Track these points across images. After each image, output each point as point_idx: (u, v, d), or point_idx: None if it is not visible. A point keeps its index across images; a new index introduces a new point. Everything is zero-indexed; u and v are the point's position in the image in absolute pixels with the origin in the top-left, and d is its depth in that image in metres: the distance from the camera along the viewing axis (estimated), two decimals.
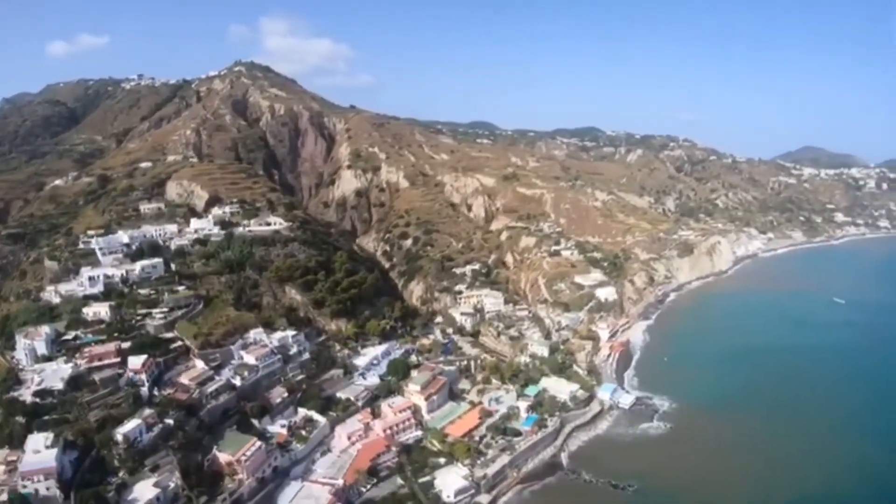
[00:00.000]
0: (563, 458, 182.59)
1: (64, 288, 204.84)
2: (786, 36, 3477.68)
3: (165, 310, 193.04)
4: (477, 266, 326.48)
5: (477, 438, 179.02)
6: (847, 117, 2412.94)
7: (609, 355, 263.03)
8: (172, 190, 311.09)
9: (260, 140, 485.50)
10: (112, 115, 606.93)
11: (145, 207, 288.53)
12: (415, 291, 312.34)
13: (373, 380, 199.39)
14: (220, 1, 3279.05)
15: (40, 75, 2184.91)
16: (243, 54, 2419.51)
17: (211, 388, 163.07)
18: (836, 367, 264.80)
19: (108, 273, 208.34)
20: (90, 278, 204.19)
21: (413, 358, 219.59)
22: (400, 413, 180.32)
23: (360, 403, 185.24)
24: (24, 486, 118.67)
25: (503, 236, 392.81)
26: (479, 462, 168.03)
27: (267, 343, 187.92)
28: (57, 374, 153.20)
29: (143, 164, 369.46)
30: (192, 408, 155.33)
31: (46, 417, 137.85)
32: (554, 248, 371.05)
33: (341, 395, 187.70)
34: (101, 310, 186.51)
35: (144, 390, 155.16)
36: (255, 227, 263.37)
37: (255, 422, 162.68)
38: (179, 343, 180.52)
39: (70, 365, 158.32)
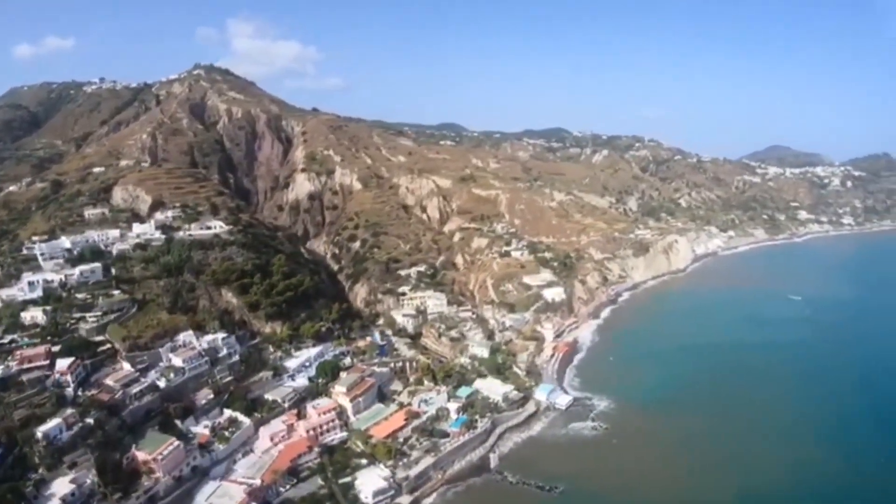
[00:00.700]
0: (493, 459, 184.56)
1: (5, 293, 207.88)
2: (757, 36, 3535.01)
3: (99, 313, 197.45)
4: (423, 268, 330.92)
5: (401, 440, 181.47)
6: (814, 117, 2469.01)
7: (553, 355, 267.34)
8: (118, 195, 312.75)
9: (216, 144, 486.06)
10: (73, 120, 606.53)
11: (90, 213, 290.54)
12: (359, 293, 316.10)
13: (302, 382, 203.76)
14: (186, 3, 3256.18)
15: (5, 78, 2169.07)
16: (211, 57, 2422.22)
17: (135, 389, 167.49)
18: (784, 364, 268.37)
19: (48, 278, 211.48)
20: (30, 283, 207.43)
21: (347, 360, 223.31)
22: (324, 414, 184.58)
23: (286, 405, 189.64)
24: None
25: (456, 237, 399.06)
26: (401, 463, 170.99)
27: (196, 346, 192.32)
28: None
29: (97, 170, 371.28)
30: (114, 408, 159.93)
31: None
32: (505, 248, 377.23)
33: (269, 396, 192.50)
34: (37, 314, 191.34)
35: (70, 391, 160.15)
36: (195, 231, 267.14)
37: (178, 422, 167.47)
38: (108, 346, 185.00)
39: (1, 367, 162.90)
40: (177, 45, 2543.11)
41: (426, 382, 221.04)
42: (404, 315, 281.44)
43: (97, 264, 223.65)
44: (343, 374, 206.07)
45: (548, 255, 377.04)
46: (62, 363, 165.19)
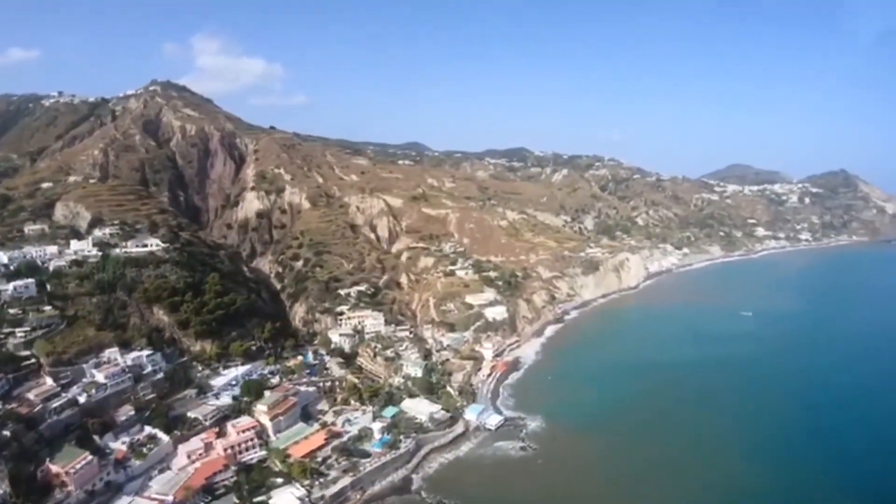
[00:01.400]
0: (417, 479, 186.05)
1: None
2: (718, 58, 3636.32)
3: (28, 328, 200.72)
4: (363, 287, 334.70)
5: (319, 459, 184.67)
6: (775, 136, 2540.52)
7: (490, 375, 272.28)
8: (59, 211, 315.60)
9: (168, 161, 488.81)
10: (29, 133, 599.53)
11: (30, 228, 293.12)
12: (298, 313, 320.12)
13: (226, 400, 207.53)
14: (152, 18, 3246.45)
15: None
16: (176, 72, 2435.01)
17: (55, 403, 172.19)
18: (725, 381, 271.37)
19: None
20: None
21: (276, 379, 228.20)
22: (243, 433, 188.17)
23: (207, 423, 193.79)
24: None
25: (403, 257, 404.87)
26: (318, 483, 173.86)
27: (120, 362, 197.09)
28: None
29: (45, 185, 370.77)
30: (32, 421, 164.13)
31: None
32: (450, 267, 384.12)
33: (191, 414, 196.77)
34: None
35: None
36: (131, 248, 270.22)
37: (96, 437, 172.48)
38: (33, 360, 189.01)
39: None
40: (142, 59, 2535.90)
41: (353, 402, 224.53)
42: (341, 334, 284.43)
43: (31, 280, 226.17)
44: (267, 393, 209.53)
45: (493, 274, 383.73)
46: None
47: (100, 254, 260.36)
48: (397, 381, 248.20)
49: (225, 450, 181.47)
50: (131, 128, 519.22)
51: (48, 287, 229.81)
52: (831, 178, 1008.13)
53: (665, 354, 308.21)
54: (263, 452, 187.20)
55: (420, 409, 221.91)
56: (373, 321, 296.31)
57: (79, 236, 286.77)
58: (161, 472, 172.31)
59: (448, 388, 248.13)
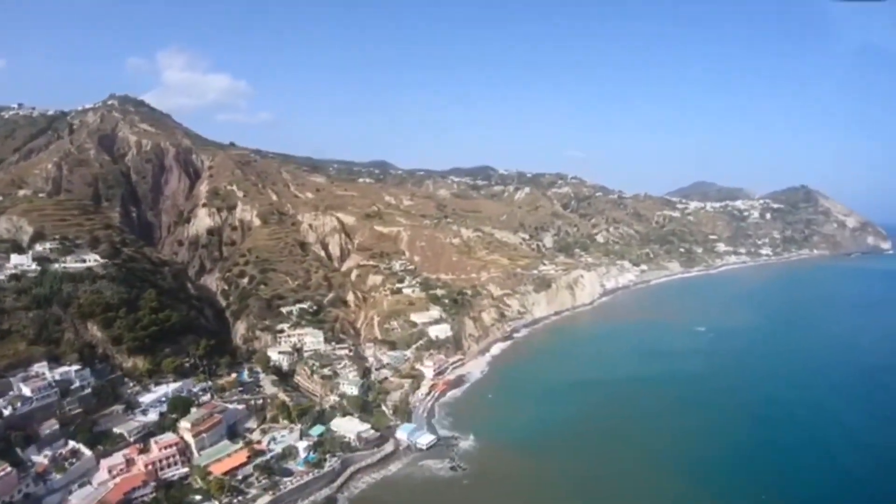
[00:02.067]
0: (342, 499, 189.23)
1: None
2: (684, 75, 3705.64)
3: None
4: (306, 305, 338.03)
5: (240, 477, 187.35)
6: (739, 153, 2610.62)
7: (429, 393, 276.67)
8: (2, 225, 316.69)
9: (122, 176, 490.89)
10: None
11: None
12: (239, 330, 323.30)
13: (153, 416, 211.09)
14: (120, 32, 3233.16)
15: None
16: (142, 86, 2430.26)
17: None
18: (673, 398, 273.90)
19: None
20: None
21: (207, 397, 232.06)
22: (165, 449, 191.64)
23: (132, 439, 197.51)
24: None
25: (353, 274, 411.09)
26: (237, 501, 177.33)
27: (48, 376, 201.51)
28: None
29: None
30: None
31: None
32: (397, 285, 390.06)
33: (117, 429, 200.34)
34: None
35: None
36: (70, 263, 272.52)
37: (18, 450, 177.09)
38: None
39: None
40: (109, 73, 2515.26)
41: (282, 420, 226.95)
42: (280, 352, 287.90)
43: None
44: (193, 410, 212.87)
45: (440, 291, 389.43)
46: None
47: (38, 268, 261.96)
48: (333, 399, 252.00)
49: (146, 466, 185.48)
50: (87, 142, 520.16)
51: None
52: (792, 193, 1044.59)
53: (612, 371, 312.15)
54: (185, 469, 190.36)
55: (348, 427, 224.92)
56: (312, 339, 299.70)
57: (20, 251, 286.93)
58: (81, 486, 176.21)
59: (383, 407, 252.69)
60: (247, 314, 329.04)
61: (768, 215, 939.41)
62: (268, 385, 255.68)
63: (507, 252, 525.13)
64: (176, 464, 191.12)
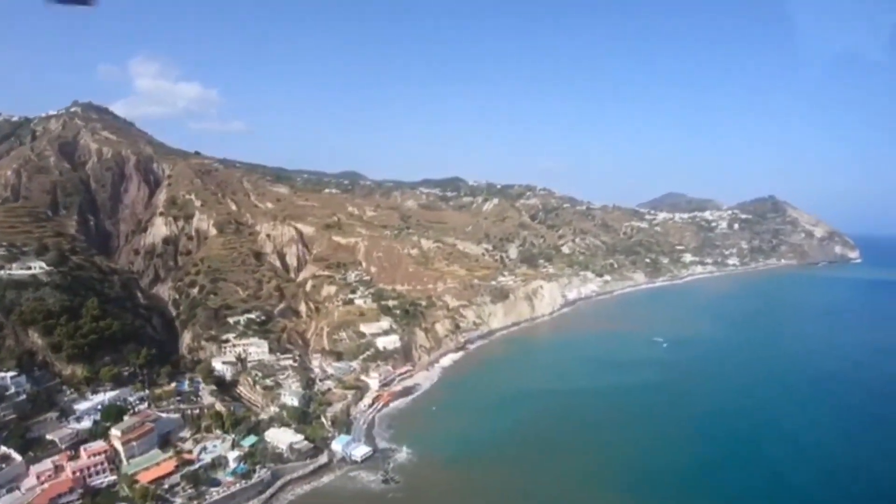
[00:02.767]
0: None
1: None
2: (657, 86, 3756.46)
3: None
4: (254, 315, 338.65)
5: (167, 486, 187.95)
6: (709, 164, 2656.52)
7: (372, 405, 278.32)
8: None
9: (81, 184, 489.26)
10: None
11: None
12: (185, 339, 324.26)
13: (87, 424, 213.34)
14: (91, 39, 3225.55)
15: None
16: (114, 94, 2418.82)
17: None
18: (625, 409, 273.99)
19: None
20: None
21: (144, 405, 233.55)
22: (93, 456, 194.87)
23: (63, 446, 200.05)
24: None
25: (308, 285, 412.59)
26: None
27: None
28: None
29: None
30: None
31: None
32: (349, 296, 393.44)
33: (49, 436, 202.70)
34: None
35: None
36: (15, 270, 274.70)
37: None
38: None
39: None
40: (80, 80, 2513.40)
41: (215, 430, 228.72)
42: (224, 362, 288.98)
43: None
44: (126, 418, 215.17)
45: (392, 302, 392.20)
46: None
47: None
48: (273, 410, 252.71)
49: (74, 473, 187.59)
50: (47, 149, 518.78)
51: None
52: (760, 203, 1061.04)
53: (563, 383, 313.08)
54: (113, 477, 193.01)
55: (282, 438, 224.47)
56: (256, 349, 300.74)
57: None
58: (10, 491, 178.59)
59: (322, 419, 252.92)
60: (193, 324, 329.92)
61: (736, 225, 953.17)
62: (206, 395, 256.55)
63: (467, 263, 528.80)
64: (104, 471, 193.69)
